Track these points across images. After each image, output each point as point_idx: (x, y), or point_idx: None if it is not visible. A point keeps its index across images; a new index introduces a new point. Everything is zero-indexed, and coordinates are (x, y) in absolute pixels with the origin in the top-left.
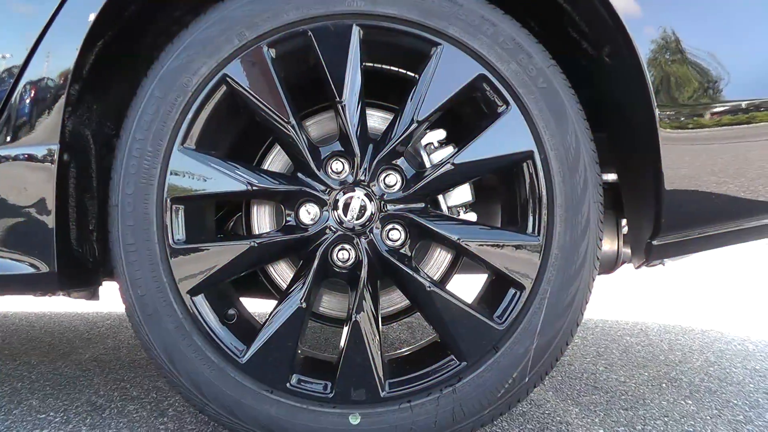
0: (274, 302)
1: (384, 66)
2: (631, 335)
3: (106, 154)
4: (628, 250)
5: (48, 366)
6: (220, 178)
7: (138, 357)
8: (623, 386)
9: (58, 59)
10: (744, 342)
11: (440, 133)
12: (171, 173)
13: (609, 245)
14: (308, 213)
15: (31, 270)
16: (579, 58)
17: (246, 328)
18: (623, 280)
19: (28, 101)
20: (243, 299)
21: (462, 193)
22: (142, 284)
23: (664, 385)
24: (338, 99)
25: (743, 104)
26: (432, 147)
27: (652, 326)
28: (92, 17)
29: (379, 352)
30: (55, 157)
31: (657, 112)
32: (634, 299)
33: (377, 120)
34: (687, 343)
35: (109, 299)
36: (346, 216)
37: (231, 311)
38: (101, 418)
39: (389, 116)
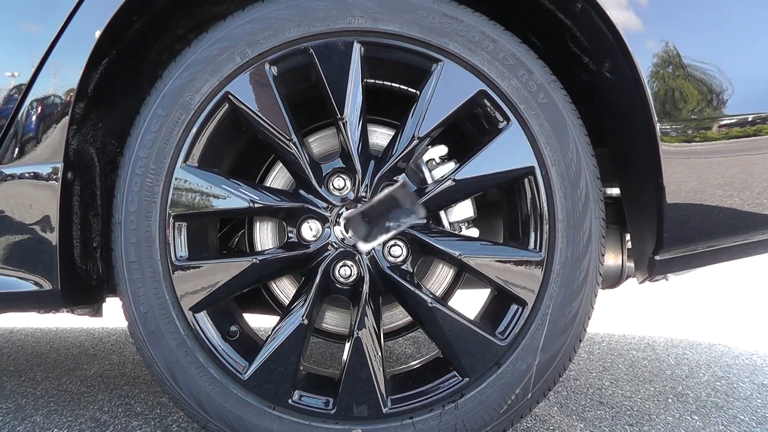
0: (277, 318)
1: (385, 82)
2: (638, 349)
3: (111, 172)
4: (632, 265)
5: (53, 382)
6: (223, 196)
7: (143, 373)
8: (629, 401)
9: (63, 77)
10: (752, 356)
11: (442, 149)
12: (174, 191)
13: (613, 260)
14: (310, 229)
15: (35, 287)
16: (580, 73)
17: (248, 345)
18: (630, 294)
19: (33, 119)
20: (245, 315)
21: (464, 209)
22: (144, 301)
23: (670, 400)
24: (339, 116)
25: (749, 117)
26: (433, 163)
27: (658, 340)
28: (98, 34)
29: (381, 368)
30: (60, 175)
31: (658, 126)
32: (641, 313)
33: (379, 136)
34: (694, 357)
35: (116, 314)
36: (347, 232)
37: (233, 327)
38: None
39: (391, 132)
